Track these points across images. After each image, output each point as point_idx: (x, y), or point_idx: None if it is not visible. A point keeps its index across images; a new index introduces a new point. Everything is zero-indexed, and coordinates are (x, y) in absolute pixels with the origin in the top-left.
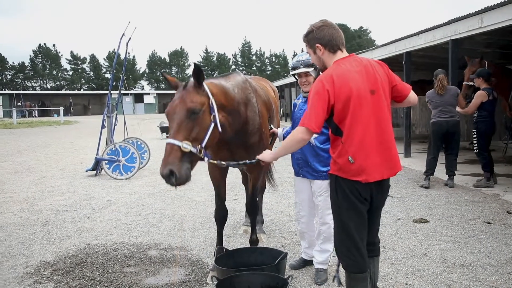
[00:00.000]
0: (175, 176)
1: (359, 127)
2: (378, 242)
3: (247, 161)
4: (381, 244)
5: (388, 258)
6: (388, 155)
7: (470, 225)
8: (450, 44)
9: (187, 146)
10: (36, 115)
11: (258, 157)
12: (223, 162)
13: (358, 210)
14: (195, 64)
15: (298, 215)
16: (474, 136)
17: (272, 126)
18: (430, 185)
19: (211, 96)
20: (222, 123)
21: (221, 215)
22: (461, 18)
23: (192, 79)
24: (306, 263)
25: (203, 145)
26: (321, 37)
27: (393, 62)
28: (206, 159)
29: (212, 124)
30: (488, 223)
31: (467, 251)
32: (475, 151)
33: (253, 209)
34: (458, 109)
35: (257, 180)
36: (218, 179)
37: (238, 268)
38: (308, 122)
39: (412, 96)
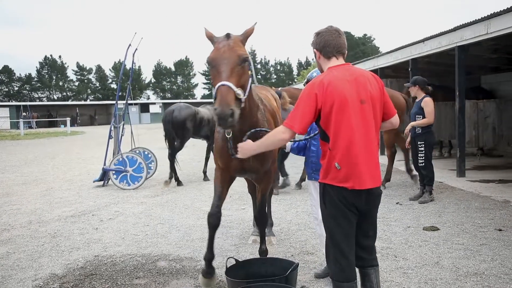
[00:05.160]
0: (233, 117)
1: (346, 134)
2: (374, 252)
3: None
4: (392, 253)
5: (399, 267)
6: (373, 165)
7: (481, 233)
8: (456, 50)
9: (240, 92)
10: (35, 126)
11: (239, 145)
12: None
13: (345, 218)
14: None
15: (315, 219)
16: (421, 149)
17: None
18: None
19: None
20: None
21: (215, 218)
22: (468, 24)
23: (233, 34)
24: None
25: (245, 97)
26: (317, 42)
27: (398, 69)
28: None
29: (250, 79)
30: (500, 230)
31: (480, 259)
32: (421, 165)
33: (262, 219)
34: (419, 122)
35: (265, 191)
36: (226, 182)
37: (248, 279)
38: (291, 122)
39: (396, 119)
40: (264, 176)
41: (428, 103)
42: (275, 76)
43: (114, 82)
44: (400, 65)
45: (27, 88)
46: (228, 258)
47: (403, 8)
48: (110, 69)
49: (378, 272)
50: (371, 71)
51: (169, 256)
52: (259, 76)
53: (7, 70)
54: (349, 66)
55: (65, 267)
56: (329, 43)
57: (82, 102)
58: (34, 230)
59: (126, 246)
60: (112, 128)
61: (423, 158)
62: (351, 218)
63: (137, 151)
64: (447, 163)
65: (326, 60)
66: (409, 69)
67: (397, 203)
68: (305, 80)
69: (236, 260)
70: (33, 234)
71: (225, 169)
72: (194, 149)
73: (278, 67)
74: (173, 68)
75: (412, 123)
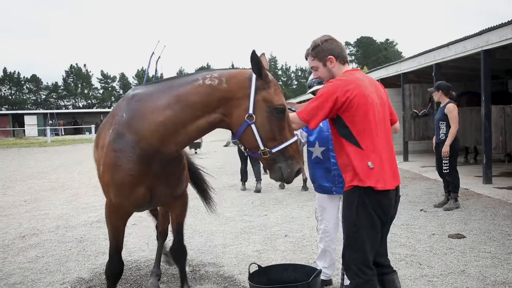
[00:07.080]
0: None
1: (375, 133)
2: (387, 255)
3: None
4: (416, 260)
5: (424, 275)
6: (395, 163)
7: (509, 241)
8: (482, 54)
9: None
10: (63, 133)
11: None
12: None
13: (375, 228)
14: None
15: (324, 233)
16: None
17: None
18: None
19: None
20: None
21: (116, 269)
22: (493, 28)
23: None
24: (324, 283)
25: None
26: (332, 48)
27: (422, 74)
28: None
29: None
30: None
31: (508, 268)
32: (446, 171)
33: (183, 254)
34: (451, 135)
35: (182, 218)
36: (118, 226)
37: (271, 285)
38: (307, 117)
39: (397, 125)
40: (177, 200)
41: (451, 109)
42: (296, 83)
43: None
44: (423, 70)
45: (54, 96)
46: (251, 264)
47: (426, 12)
48: (133, 77)
49: (398, 279)
50: (394, 76)
51: (192, 262)
52: (280, 83)
53: (35, 79)
54: (361, 71)
55: (92, 271)
56: (343, 49)
57: (106, 110)
58: (62, 235)
59: (150, 251)
60: None
61: (448, 164)
62: (378, 228)
63: None
64: (472, 170)
65: (341, 65)
66: (433, 74)
67: (421, 210)
68: (308, 86)
69: (258, 265)
70: (61, 239)
71: (124, 203)
72: (221, 156)
73: (299, 73)
74: None
75: (449, 139)
